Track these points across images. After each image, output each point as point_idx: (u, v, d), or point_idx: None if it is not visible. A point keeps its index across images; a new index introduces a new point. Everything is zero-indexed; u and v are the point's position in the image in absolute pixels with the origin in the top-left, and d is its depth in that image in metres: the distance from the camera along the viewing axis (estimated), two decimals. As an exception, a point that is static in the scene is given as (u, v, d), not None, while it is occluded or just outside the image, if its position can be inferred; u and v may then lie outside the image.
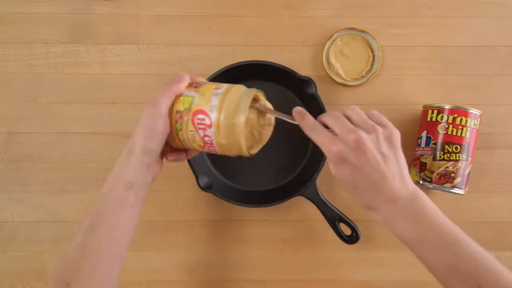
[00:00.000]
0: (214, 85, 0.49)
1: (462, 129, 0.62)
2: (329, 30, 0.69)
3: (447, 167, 0.63)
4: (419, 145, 0.65)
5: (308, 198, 0.64)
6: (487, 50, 0.70)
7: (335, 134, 0.44)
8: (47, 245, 0.69)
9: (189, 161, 0.64)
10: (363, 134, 0.43)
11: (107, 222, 0.45)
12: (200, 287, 0.69)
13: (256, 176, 0.69)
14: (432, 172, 0.63)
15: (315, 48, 0.70)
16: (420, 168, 0.65)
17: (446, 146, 0.63)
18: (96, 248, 0.44)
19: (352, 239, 0.64)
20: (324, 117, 0.46)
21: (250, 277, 0.69)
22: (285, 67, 0.65)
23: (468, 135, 0.63)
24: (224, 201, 0.65)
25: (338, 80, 0.69)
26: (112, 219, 0.45)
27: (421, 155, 0.65)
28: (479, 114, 0.64)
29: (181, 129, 0.48)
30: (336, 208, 0.64)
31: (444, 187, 0.63)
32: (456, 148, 0.63)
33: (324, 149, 0.44)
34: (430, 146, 0.64)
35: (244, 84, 0.50)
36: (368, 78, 0.69)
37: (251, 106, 0.47)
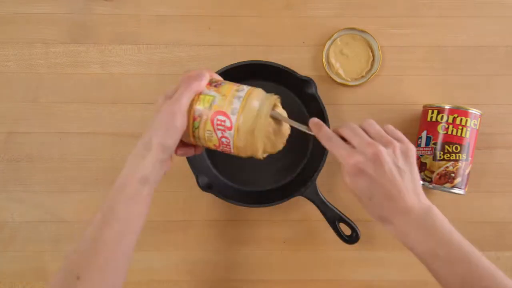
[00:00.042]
0: (234, 86, 0.49)
1: (462, 129, 0.62)
2: (329, 30, 0.69)
3: (447, 167, 0.63)
4: (419, 145, 0.65)
5: (308, 198, 0.64)
6: (487, 50, 0.70)
7: (352, 146, 0.46)
8: (47, 245, 0.69)
9: (189, 161, 0.64)
10: (381, 147, 0.45)
11: (120, 216, 0.45)
12: (200, 287, 0.69)
13: (256, 176, 0.69)
14: (432, 172, 0.63)
15: (315, 48, 0.70)
16: (420, 168, 0.64)
17: (446, 146, 0.63)
18: (108, 241, 0.44)
19: (352, 239, 0.64)
20: (341, 129, 0.48)
21: (250, 277, 0.69)
22: (285, 67, 0.65)
23: (468, 135, 0.63)
24: (224, 201, 0.65)
25: (338, 80, 0.69)
26: (124, 213, 0.45)
27: (421, 155, 0.65)
28: (479, 114, 0.64)
29: (198, 127, 0.48)
30: (336, 208, 0.64)
31: (444, 187, 0.63)
32: (456, 148, 0.63)
33: (342, 160, 0.46)
34: (430, 146, 0.64)
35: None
36: (368, 78, 0.69)
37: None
